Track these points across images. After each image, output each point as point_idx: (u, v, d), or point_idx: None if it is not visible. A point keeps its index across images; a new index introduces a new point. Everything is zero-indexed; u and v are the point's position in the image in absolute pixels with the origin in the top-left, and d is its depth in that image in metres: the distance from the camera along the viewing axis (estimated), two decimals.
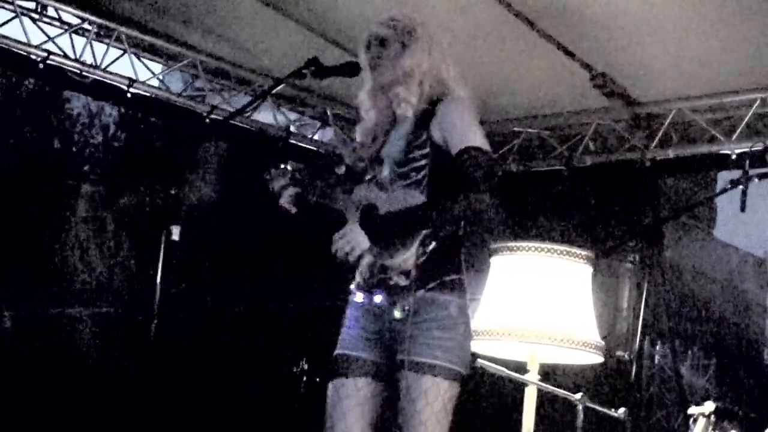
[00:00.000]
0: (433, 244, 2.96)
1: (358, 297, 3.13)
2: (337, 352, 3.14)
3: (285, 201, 3.18)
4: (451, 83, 3.14)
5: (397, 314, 3.00)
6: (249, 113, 6.10)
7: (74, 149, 9.82)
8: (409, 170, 3.06)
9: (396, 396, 3.02)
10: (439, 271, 3.00)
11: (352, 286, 3.15)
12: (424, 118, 3.08)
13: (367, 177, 3.15)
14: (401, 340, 3.00)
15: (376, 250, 3.01)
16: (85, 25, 5.79)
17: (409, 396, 2.95)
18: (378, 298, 3.06)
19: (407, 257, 2.98)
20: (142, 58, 6.08)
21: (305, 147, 6.69)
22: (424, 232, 2.96)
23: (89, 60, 5.81)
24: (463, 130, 3.01)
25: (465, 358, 3.05)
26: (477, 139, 2.99)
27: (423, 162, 3.04)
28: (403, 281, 3.00)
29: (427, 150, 3.04)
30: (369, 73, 3.17)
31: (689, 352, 9.64)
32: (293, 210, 3.17)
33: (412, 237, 2.96)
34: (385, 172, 3.12)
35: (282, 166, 3.18)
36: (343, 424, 3.04)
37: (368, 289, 3.09)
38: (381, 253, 3.01)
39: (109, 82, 5.89)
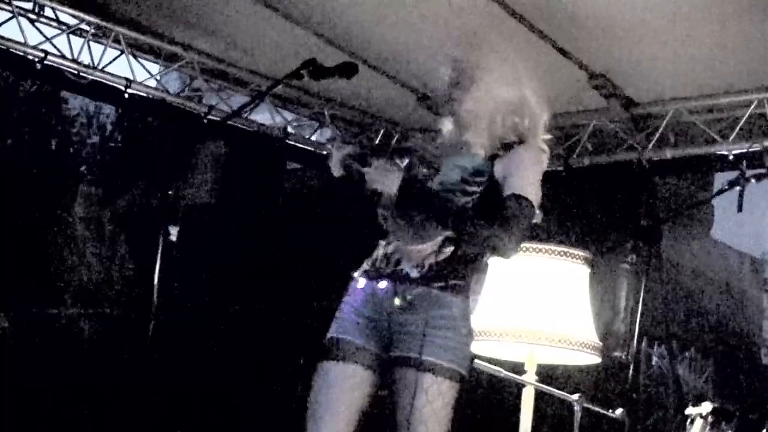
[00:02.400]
0: (451, 248, 2.97)
1: (361, 283, 3.08)
2: (329, 335, 3.07)
3: (336, 161, 3.11)
4: (527, 132, 3.24)
5: (397, 302, 2.95)
6: (246, 114, 6.10)
7: (72, 149, 9.82)
8: (457, 190, 3.06)
9: (390, 391, 2.97)
10: (450, 272, 2.98)
11: (357, 273, 3.12)
12: (494, 155, 3.11)
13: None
14: (400, 334, 2.96)
15: (397, 225, 3.01)
16: (83, 26, 5.78)
17: (408, 393, 2.90)
18: (382, 285, 3.02)
19: (422, 249, 2.97)
20: (139, 59, 6.07)
21: (303, 147, 6.69)
22: (447, 232, 2.96)
23: (87, 60, 5.80)
24: (522, 180, 3.05)
25: (466, 359, 3.02)
26: (531, 193, 3.03)
27: (475, 188, 3.04)
28: (414, 273, 2.98)
29: (485, 179, 3.05)
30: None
31: (687, 352, 9.63)
32: (339, 172, 3.11)
33: (434, 231, 2.97)
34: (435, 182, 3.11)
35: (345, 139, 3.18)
36: (328, 409, 2.96)
37: (375, 276, 3.06)
38: (400, 232, 3.00)
39: (106, 82, 5.88)
